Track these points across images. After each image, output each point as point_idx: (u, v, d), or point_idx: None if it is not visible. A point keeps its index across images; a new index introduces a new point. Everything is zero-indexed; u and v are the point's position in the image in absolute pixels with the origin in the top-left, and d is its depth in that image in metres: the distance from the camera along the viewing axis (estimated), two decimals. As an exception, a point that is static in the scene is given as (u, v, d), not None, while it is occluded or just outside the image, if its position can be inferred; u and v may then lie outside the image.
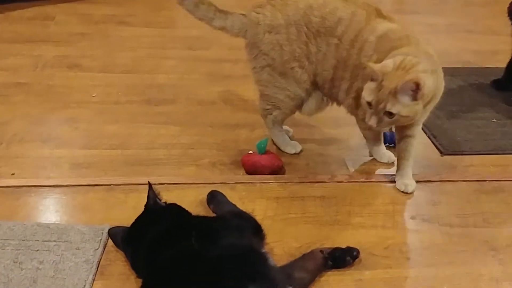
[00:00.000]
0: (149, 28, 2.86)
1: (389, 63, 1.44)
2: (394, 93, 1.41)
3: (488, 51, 2.76)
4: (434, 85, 1.47)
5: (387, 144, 1.86)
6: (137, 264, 1.26)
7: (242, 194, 1.59)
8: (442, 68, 2.55)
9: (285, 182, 1.65)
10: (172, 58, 2.51)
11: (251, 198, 1.58)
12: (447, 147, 1.91)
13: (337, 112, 1.86)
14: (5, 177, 1.61)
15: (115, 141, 1.83)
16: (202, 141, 1.85)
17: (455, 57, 2.68)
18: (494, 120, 2.11)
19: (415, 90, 1.40)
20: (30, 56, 2.41)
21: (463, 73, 2.49)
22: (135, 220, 1.30)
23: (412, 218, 1.55)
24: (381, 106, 1.43)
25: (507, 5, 2.20)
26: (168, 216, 1.30)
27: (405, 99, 1.41)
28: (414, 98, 1.42)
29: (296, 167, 1.76)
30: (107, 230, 1.38)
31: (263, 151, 1.70)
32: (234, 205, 1.48)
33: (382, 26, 1.57)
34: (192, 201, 1.51)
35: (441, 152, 1.89)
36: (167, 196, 1.40)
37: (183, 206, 1.35)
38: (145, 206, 1.33)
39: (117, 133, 1.88)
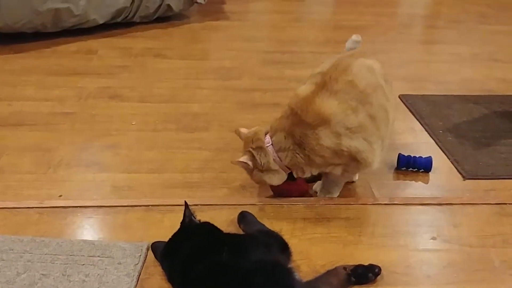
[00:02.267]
0: (185, 60, 3.01)
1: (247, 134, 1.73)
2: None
3: (513, 79, 2.82)
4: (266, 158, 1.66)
5: (422, 170, 1.94)
6: (173, 277, 1.36)
7: (270, 215, 1.69)
8: (465, 95, 2.63)
9: (312, 204, 1.75)
10: (206, 88, 2.64)
11: (279, 218, 1.67)
12: (469, 171, 1.97)
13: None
14: (54, 199, 1.74)
15: (152, 165, 1.96)
16: (233, 166, 1.95)
17: (480, 85, 2.75)
18: (517, 146, 2.17)
19: (247, 167, 1.67)
20: (75, 88, 2.58)
21: (487, 100, 2.54)
22: (172, 236, 1.42)
23: (433, 238, 1.62)
24: None
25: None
26: (202, 232, 1.40)
27: (249, 171, 1.69)
28: (251, 170, 1.68)
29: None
30: (146, 246, 1.50)
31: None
32: (263, 225, 1.57)
33: (304, 87, 1.69)
34: (224, 221, 1.61)
35: (463, 177, 1.95)
36: (201, 216, 1.50)
37: (215, 225, 1.46)
38: (181, 223, 1.45)
39: (155, 158, 2.01)
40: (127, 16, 3.38)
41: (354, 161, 1.62)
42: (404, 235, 1.64)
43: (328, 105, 1.59)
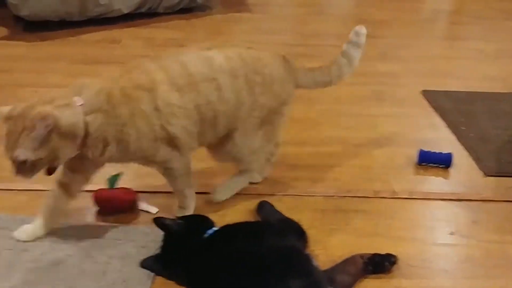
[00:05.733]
0: (207, 51, 3.03)
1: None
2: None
3: (537, 77, 2.79)
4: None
5: (442, 166, 1.94)
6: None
7: (289, 205, 1.70)
8: (488, 92, 2.61)
9: (330, 196, 1.76)
10: (227, 79, 2.66)
11: (298, 209, 1.69)
12: (491, 169, 1.96)
13: (380, 133, 1.98)
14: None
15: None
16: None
17: (503, 82, 2.72)
18: (540, 144, 2.15)
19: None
20: (98, 76, 2.61)
21: (510, 98, 2.52)
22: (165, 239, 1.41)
23: (451, 234, 1.62)
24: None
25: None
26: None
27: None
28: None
29: (340, 182, 1.85)
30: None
31: (114, 185, 1.65)
32: (281, 213, 1.60)
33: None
34: (243, 210, 1.65)
35: (484, 174, 1.94)
36: (218, 206, 1.55)
37: (234, 214, 1.52)
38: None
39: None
40: (152, 6, 3.42)
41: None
42: (422, 229, 1.65)
43: (154, 73, 1.43)
